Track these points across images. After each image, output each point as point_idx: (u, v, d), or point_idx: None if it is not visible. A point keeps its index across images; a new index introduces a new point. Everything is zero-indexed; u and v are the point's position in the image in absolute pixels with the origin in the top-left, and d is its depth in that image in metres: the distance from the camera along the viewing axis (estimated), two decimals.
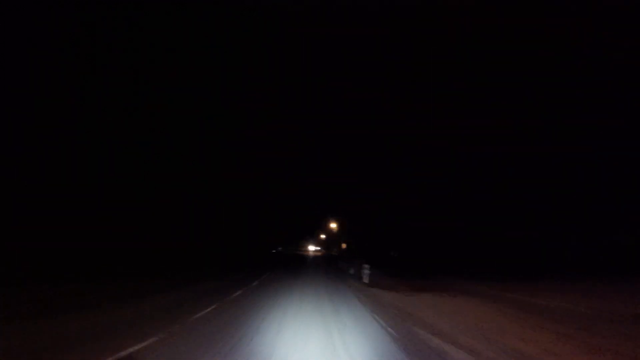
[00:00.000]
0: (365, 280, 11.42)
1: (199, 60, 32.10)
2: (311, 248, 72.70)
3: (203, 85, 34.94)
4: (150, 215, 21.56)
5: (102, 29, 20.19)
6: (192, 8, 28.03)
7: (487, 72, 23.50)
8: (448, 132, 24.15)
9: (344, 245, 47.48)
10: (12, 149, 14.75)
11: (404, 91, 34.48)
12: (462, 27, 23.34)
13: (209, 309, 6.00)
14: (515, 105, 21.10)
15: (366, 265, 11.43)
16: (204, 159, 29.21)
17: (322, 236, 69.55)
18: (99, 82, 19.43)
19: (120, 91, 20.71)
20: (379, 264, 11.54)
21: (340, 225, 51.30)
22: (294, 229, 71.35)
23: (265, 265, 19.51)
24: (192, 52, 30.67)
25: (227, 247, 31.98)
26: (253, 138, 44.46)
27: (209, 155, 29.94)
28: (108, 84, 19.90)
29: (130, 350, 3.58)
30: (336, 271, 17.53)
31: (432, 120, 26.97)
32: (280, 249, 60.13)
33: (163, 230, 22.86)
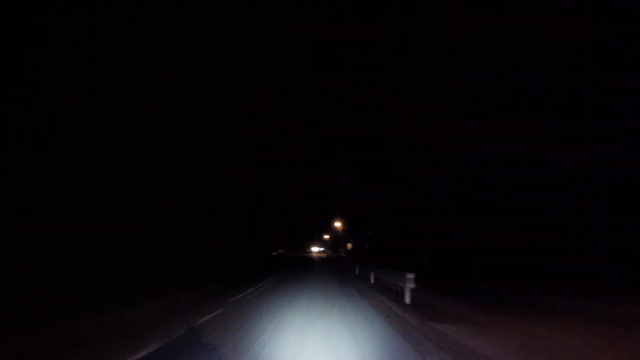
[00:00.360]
0: (407, 300, 7.51)
1: (199, 60, 32.13)
2: (315, 249, 70.30)
3: (203, 85, 34.97)
4: (151, 215, 21.54)
5: (102, 29, 20.19)
6: (192, 8, 28.05)
7: (487, 72, 23.51)
8: (448, 132, 24.17)
9: (349, 246, 45.73)
10: (12, 149, 14.74)
11: (404, 91, 34.52)
12: (462, 27, 23.36)
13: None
14: (515, 105, 21.11)
15: (410, 276, 7.48)
16: (204, 159, 29.22)
17: (326, 237, 68.25)
18: (99, 82, 19.43)
19: (120, 91, 20.71)
20: (401, 270, 8.23)
21: (345, 225, 50.02)
22: (296, 230, 70.55)
23: (260, 272, 16.44)
24: (192, 52, 30.70)
25: (224, 249, 31.91)
26: (253, 138, 44.54)
27: (209, 155, 29.95)
28: (108, 84, 19.90)
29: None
30: (351, 280, 13.39)
31: (432, 120, 26.98)
32: (282, 251, 57.41)
33: (163, 231, 22.84)
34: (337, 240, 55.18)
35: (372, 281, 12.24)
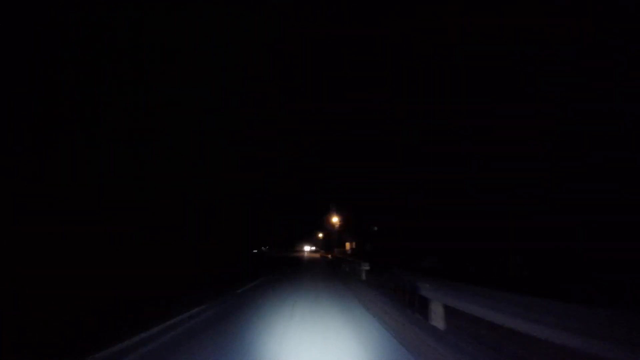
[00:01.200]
0: None
1: (199, 60, 32.15)
2: (307, 248, 65.52)
3: (203, 85, 35.01)
4: (151, 215, 21.52)
5: (102, 29, 20.17)
6: (192, 8, 28.07)
7: (487, 72, 23.52)
8: (448, 132, 24.16)
9: (348, 246, 38.50)
10: (12, 149, 14.73)
11: (404, 91, 34.54)
12: (462, 27, 23.37)
13: None
14: (515, 105, 21.11)
15: None
16: (204, 159, 29.24)
17: (320, 235, 66.26)
18: (99, 82, 19.42)
19: (120, 91, 20.70)
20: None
21: (342, 221, 44.12)
22: (289, 229, 69.21)
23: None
24: (192, 52, 30.72)
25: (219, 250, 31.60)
26: (253, 138, 44.63)
27: (209, 155, 29.97)
28: (108, 84, 19.89)
29: None
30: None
31: (432, 121, 26.98)
32: (265, 249, 50.71)
33: (163, 231, 22.81)
34: (332, 238, 47.91)
35: None
